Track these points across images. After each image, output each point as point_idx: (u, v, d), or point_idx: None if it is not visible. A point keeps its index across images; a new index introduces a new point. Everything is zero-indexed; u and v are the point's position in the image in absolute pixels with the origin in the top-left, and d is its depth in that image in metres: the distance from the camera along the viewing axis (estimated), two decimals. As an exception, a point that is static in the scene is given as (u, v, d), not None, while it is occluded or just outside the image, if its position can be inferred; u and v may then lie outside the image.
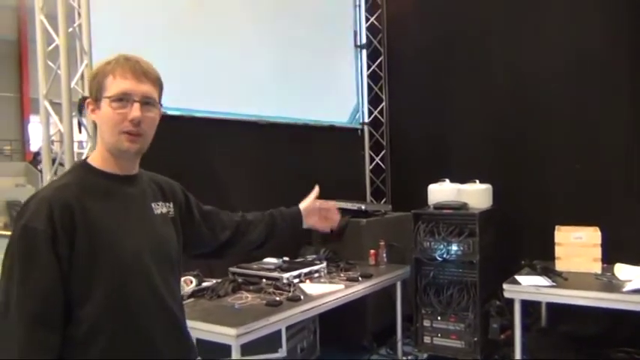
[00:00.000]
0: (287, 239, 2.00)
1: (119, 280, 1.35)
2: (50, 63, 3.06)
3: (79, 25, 3.04)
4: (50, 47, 3.05)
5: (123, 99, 1.39)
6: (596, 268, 3.61)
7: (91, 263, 1.32)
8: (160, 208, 1.54)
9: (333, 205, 2.03)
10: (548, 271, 3.54)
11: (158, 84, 1.46)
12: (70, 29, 3.01)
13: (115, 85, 1.39)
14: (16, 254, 1.29)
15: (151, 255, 1.43)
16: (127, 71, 1.40)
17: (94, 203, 1.36)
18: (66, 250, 1.29)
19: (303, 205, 1.98)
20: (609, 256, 3.65)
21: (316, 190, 2.00)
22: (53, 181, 1.48)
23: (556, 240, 3.75)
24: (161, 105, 1.49)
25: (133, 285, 1.38)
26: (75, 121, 3.01)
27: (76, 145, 3.21)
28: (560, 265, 3.67)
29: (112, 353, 1.34)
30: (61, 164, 3.12)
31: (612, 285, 3.34)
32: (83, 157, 2.88)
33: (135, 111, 1.39)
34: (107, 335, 1.33)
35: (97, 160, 1.46)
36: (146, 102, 1.41)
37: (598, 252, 3.64)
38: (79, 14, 3.03)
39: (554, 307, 3.86)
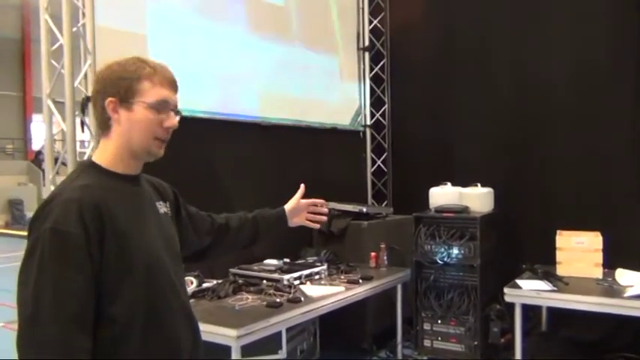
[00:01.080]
0: (272, 239, 2.06)
1: (145, 280, 1.37)
2: (54, 62, 3.07)
3: (83, 25, 3.04)
4: (54, 47, 3.06)
5: (161, 107, 1.43)
6: (598, 273, 3.61)
7: (119, 264, 1.33)
8: (162, 207, 1.57)
9: (320, 202, 2.07)
10: (549, 276, 3.54)
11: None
12: (74, 29, 3.02)
13: (154, 92, 1.43)
14: (47, 258, 1.26)
15: (166, 252, 1.46)
16: (164, 79, 1.45)
17: (116, 204, 1.37)
18: (97, 252, 1.30)
19: (288, 206, 2.02)
20: (610, 262, 3.64)
21: (302, 189, 2.05)
22: (68, 181, 1.44)
23: (557, 244, 3.74)
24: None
25: (157, 283, 1.40)
26: (78, 121, 3.02)
27: (77, 144, 3.22)
28: (561, 270, 3.67)
29: (145, 352, 1.35)
30: (64, 164, 3.13)
31: (613, 290, 3.33)
32: (86, 157, 2.90)
33: (173, 120, 1.46)
34: (138, 335, 1.35)
35: (105, 160, 1.45)
36: (177, 111, 1.48)
37: (599, 257, 3.63)
38: (84, 14, 3.04)
39: (554, 312, 3.86)
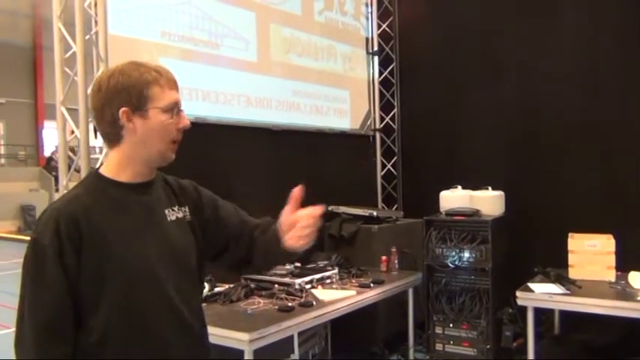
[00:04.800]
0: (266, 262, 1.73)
1: (127, 289, 1.36)
2: (67, 70, 3.11)
3: (96, 33, 3.08)
4: (67, 54, 3.10)
5: (173, 109, 1.43)
6: (610, 276, 3.58)
7: (98, 273, 1.34)
8: (176, 213, 1.52)
9: (311, 214, 1.50)
10: (562, 279, 3.52)
11: None
12: (87, 37, 3.06)
13: (165, 96, 1.42)
14: (27, 268, 1.34)
15: (162, 262, 1.42)
16: (171, 81, 1.45)
17: (101, 213, 1.38)
18: (73, 262, 1.32)
19: (280, 221, 1.55)
20: (623, 264, 3.61)
21: (296, 193, 1.53)
22: (66, 192, 1.51)
23: (569, 247, 3.72)
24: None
25: (142, 293, 1.38)
26: (91, 127, 3.05)
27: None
28: (573, 273, 3.65)
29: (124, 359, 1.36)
30: (77, 170, 3.16)
31: (626, 293, 3.31)
32: (98, 164, 2.93)
33: (185, 120, 1.46)
34: (117, 343, 1.35)
35: (111, 169, 1.45)
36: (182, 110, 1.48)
37: (612, 260, 3.61)
38: (96, 22, 3.08)
39: (567, 315, 3.83)
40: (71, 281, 1.32)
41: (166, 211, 1.50)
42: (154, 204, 1.48)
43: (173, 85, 1.45)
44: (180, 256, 1.49)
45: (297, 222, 1.50)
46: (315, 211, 1.51)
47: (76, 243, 1.32)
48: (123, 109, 1.39)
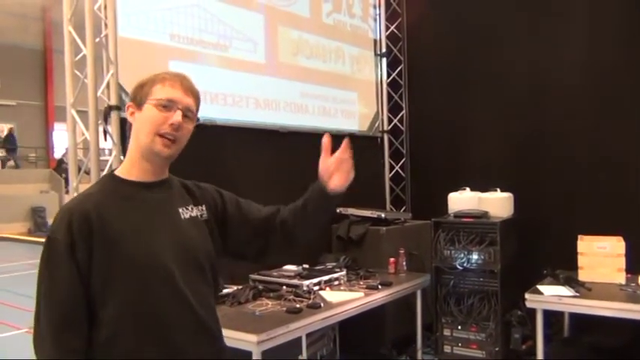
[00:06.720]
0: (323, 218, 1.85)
1: (138, 284, 1.39)
2: (77, 72, 3.13)
3: (106, 36, 3.11)
4: (77, 57, 3.12)
5: (168, 105, 1.47)
6: (620, 278, 3.56)
7: (109, 268, 1.38)
8: (190, 212, 1.57)
9: (343, 149, 1.78)
10: (571, 281, 3.50)
11: (198, 101, 1.56)
12: (97, 40, 3.09)
13: (163, 91, 1.48)
14: (43, 263, 1.39)
15: (174, 258, 1.45)
16: (176, 82, 1.50)
17: (112, 210, 1.43)
18: (85, 257, 1.37)
19: (320, 171, 1.76)
20: (634, 267, 3.59)
21: (327, 142, 1.76)
22: (81, 192, 1.58)
23: (579, 249, 3.70)
24: (198, 119, 1.57)
25: (154, 288, 1.41)
26: (100, 129, 3.08)
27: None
28: (583, 275, 3.63)
29: (135, 354, 1.38)
30: (86, 172, 3.18)
31: (637, 296, 3.29)
32: (108, 165, 2.96)
33: (177, 116, 1.47)
34: (128, 337, 1.38)
35: (124, 169, 1.52)
36: (187, 114, 1.50)
37: (622, 262, 3.58)
38: (106, 25, 3.10)
39: (577, 318, 3.81)
40: (83, 276, 1.36)
41: (180, 210, 1.55)
42: (165, 202, 1.53)
43: (179, 87, 1.49)
44: (192, 253, 1.52)
45: (335, 163, 1.75)
46: (344, 145, 1.78)
47: (87, 238, 1.37)
48: (128, 104, 1.53)
